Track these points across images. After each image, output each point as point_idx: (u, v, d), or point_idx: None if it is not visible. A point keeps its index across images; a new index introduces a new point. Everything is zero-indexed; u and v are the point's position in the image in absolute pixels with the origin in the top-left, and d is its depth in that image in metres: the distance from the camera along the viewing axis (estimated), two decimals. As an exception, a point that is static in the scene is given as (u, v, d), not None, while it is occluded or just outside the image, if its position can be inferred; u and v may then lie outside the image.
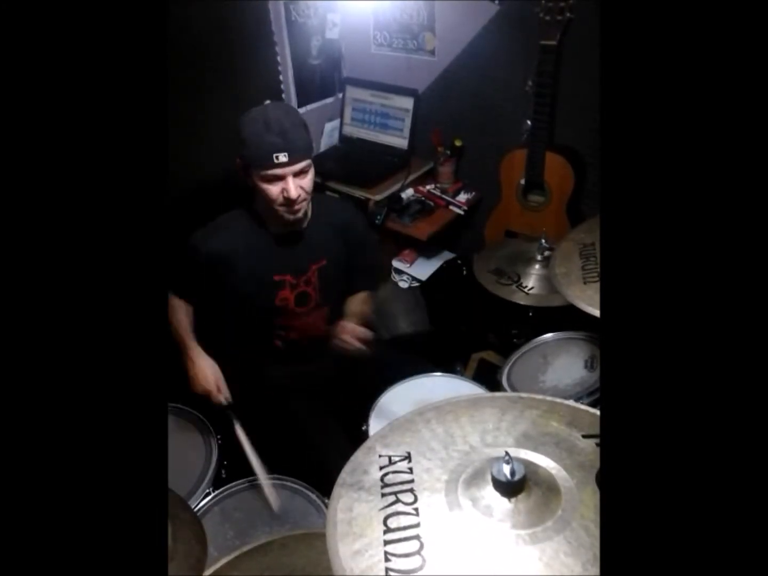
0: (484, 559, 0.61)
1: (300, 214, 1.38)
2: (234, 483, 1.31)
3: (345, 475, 0.75)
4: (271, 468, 1.35)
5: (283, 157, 1.27)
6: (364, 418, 1.40)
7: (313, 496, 1.27)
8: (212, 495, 1.29)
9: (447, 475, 0.71)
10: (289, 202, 1.32)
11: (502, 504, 0.65)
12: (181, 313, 1.48)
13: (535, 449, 0.72)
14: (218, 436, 1.40)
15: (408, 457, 0.75)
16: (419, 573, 0.60)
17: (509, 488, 0.65)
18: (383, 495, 0.70)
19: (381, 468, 0.74)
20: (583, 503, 0.64)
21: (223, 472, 1.37)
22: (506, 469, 0.65)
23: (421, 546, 0.62)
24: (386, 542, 0.63)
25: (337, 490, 0.73)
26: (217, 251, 1.41)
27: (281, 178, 1.29)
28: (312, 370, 1.57)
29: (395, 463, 0.74)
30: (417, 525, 0.65)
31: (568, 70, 1.94)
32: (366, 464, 0.75)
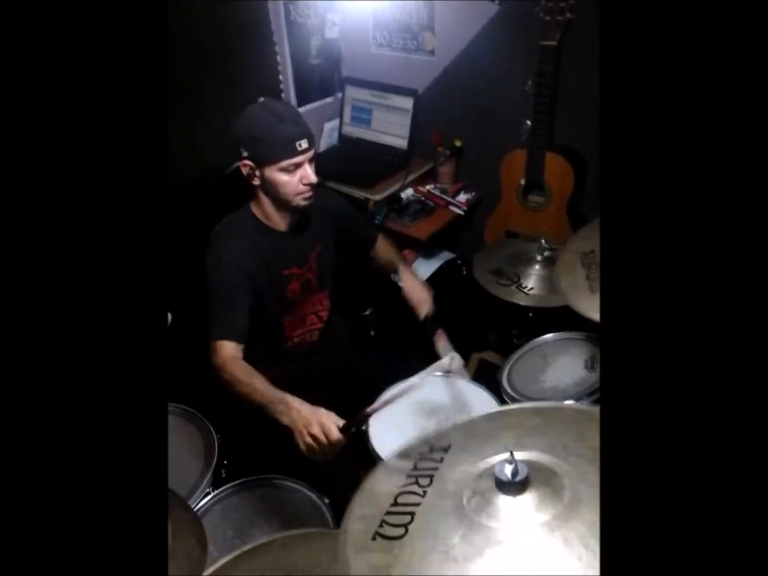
0: (461, 544, 0.63)
1: (312, 200, 1.41)
2: (234, 483, 1.31)
3: (392, 459, 0.81)
4: (271, 468, 1.35)
5: (304, 144, 1.32)
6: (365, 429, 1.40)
7: (313, 496, 1.27)
8: (212, 495, 1.29)
9: (468, 467, 0.73)
10: (309, 188, 1.37)
11: (501, 501, 0.65)
12: (247, 370, 1.27)
13: (566, 459, 0.70)
14: (218, 436, 1.40)
15: (446, 449, 0.78)
16: (396, 540, 0.65)
17: (510, 488, 0.65)
18: (408, 476, 0.75)
19: (420, 454, 0.79)
20: (587, 508, 0.64)
21: (223, 471, 1.37)
22: (508, 470, 0.65)
23: (411, 520, 0.67)
24: (387, 512, 0.70)
25: (380, 469, 0.81)
26: (235, 262, 1.38)
27: (299, 166, 1.34)
28: (311, 367, 1.58)
29: (433, 451, 0.78)
30: (418, 504, 0.70)
31: (568, 70, 1.94)
32: (412, 451, 0.80)
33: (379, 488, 0.76)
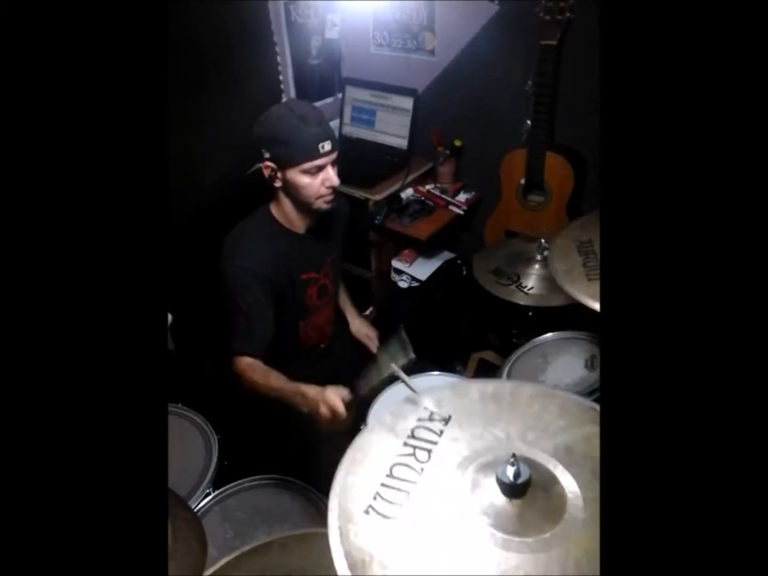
0: (450, 538, 0.63)
1: (334, 203, 1.41)
2: (234, 483, 1.31)
3: (389, 416, 0.79)
4: (271, 468, 1.35)
5: (327, 146, 1.31)
6: (363, 418, 1.40)
7: (314, 496, 1.28)
8: (212, 495, 1.29)
9: (467, 452, 0.72)
10: (330, 191, 1.36)
11: (498, 500, 0.65)
12: (263, 372, 1.35)
13: (567, 467, 0.69)
14: (218, 436, 1.40)
15: (447, 420, 0.76)
16: (391, 519, 0.64)
17: (509, 490, 0.65)
18: (405, 444, 0.73)
19: (419, 419, 0.77)
20: (586, 524, 0.63)
21: (223, 472, 1.37)
22: (510, 471, 0.65)
23: (407, 500, 0.66)
24: (382, 484, 0.68)
25: (375, 424, 0.78)
26: (256, 271, 1.36)
27: (322, 168, 1.32)
28: (320, 371, 1.57)
29: (433, 420, 0.77)
30: (414, 482, 0.68)
31: (568, 70, 1.94)
32: (409, 411, 0.79)
33: (374, 451, 0.73)
